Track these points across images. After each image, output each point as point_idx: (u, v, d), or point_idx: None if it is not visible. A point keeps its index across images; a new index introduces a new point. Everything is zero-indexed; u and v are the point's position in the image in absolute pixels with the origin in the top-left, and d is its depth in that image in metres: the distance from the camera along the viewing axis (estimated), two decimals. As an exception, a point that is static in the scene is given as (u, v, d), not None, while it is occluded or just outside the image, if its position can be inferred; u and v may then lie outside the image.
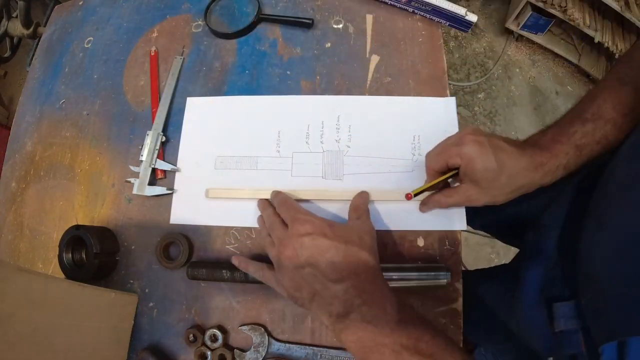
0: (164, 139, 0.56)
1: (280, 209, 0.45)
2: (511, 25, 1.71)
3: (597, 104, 0.42)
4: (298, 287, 0.39)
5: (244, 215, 0.52)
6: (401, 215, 0.50)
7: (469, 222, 0.49)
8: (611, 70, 0.44)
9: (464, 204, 0.46)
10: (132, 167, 0.54)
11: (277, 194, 0.49)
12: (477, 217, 0.58)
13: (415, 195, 0.45)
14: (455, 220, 0.49)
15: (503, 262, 0.64)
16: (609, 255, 0.34)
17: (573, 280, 0.42)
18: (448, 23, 0.59)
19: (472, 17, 0.57)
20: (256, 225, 0.51)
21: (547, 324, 0.44)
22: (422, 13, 0.59)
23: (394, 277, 0.44)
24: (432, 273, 0.44)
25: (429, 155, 0.45)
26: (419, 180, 0.51)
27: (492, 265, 0.75)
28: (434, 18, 0.59)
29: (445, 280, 0.44)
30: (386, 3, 0.60)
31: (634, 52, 0.43)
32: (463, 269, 0.49)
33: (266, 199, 0.50)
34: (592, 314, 0.36)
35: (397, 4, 0.59)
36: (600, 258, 0.35)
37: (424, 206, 0.48)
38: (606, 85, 0.43)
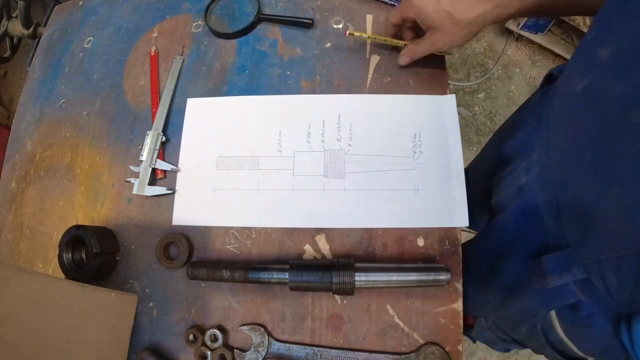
0: (164, 139, 0.56)
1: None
2: (511, 25, 1.71)
3: None
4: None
5: (244, 215, 0.52)
6: (403, 213, 0.50)
7: (470, 224, 0.49)
8: None
9: (430, 49, 0.51)
10: (132, 167, 0.54)
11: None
12: (477, 217, 0.58)
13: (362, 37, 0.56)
14: (456, 216, 0.49)
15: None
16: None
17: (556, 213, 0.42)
18: None
19: None
20: (256, 225, 0.51)
21: (540, 282, 0.43)
22: None
23: (394, 277, 0.44)
24: (432, 273, 0.44)
25: (389, 14, 0.52)
26: (421, 177, 0.51)
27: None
28: None
29: (445, 281, 0.44)
30: (386, 3, 0.60)
31: None
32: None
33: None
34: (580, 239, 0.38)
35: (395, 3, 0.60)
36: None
37: (401, 57, 0.55)
38: None
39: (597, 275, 0.38)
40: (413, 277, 0.44)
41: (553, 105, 0.45)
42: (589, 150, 0.37)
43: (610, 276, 0.36)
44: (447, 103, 0.54)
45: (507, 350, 0.78)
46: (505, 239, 0.52)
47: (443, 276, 0.44)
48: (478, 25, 0.46)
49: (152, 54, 0.62)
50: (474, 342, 0.85)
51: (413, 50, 0.52)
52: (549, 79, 0.54)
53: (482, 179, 0.64)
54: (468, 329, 0.78)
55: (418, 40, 0.52)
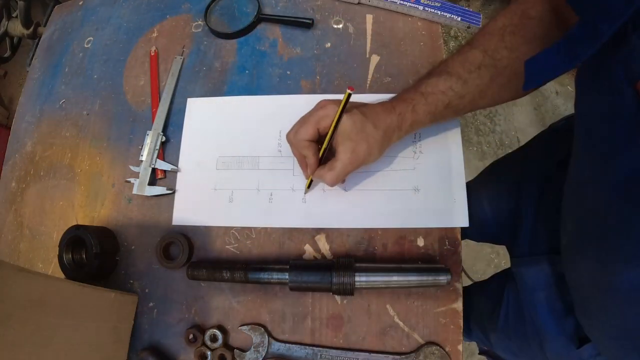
0: (164, 139, 0.56)
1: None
2: (511, 25, 1.71)
3: (446, 62, 0.46)
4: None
5: (244, 215, 0.52)
6: (403, 213, 0.50)
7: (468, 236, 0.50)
8: (467, 40, 0.48)
9: (349, 166, 0.44)
10: (132, 167, 0.54)
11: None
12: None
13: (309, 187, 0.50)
14: (456, 216, 0.49)
15: (503, 264, 0.66)
16: None
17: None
18: (460, 17, 0.60)
19: None
20: (256, 224, 0.51)
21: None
22: (432, 9, 0.59)
23: (394, 278, 0.44)
24: (432, 274, 0.44)
25: (294, 133, 0.46)
26: (420, 178, 0.51)
27: (492, 264, 0.76)
28: (445, 14, 0.59)
29: (445, 281, 0.44)
30: (387, 9, 0.60)
31: (488, 22, 0.47)
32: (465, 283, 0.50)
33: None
34: None
35: (405, 3, 0.59)
36: None
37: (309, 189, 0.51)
38: (458, 50, 0.47)
39: None
40: (413, 277, 0.44)
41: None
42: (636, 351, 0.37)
43: None
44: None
45: None
46: (553, 318, 0.52)
47: (443, 277, 0.44)
48: (389, 140, 0.45)
49: (152, 54, 0.62)
50: None
51: (327, 175, 0.45)
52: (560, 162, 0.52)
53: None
54: None
55: (329, 163, 0.45)
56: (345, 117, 0.42)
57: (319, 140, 0.46)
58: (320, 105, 0.45)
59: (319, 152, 0.46)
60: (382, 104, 0.46)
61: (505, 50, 0.43)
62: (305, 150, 0.45)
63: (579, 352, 0.46)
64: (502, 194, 0.64)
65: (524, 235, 0.56)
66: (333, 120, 0.42)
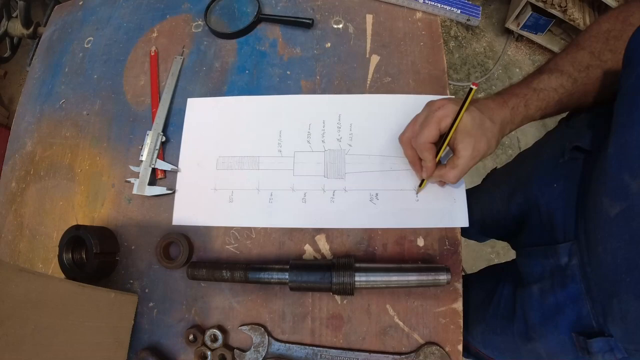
0: (164, 139, 0.56)
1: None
2: (511, 25, 1.71)
3: (555, 60, 0.48)
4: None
5: (244, 215, 0.52)
6: (403, 213, 0.50)
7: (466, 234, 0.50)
8: (571, 40, 0.49)
9: (471, 162, 0.44)
10: (132, 167, 0.54)
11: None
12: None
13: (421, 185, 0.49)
14: (456, 216, 0.49)
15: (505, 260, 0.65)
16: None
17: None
18: (460, 10, 0.60)
19: None
20: (256, 224, 0.51)
21: (583, 354, 0.45)
22: (432, 2, 0.59)
23: (394, 277, 0.44)
24: (432, 273, 0.44)
25: (415, 137, 0.46)
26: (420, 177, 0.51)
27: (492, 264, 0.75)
28: (445, 6, 0.59)
29: (445, 281, 0.44)
30: (387, 2, 0.60)
31: (592, 25, 0.49)
32: (463, 273, 0.49)
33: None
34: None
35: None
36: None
37: (440, 184, 0.50)
38: (565, 49, 0.49)
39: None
40: (413, 277, 0.44)
41: (587, 220, 0.45)
42: (630, 274, 0.38)
43: None
44: (447, 103, 0.54)
45: None
46: (545, 313, 0.51)
47: (443, 276, 0.44)
48: (503, 132, 0.46)
49: (152, 54, 0.62)
50: None
51: (449, 174, 0.45)
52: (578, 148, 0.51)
53: (499, 214, 0.64)
54: None
55: (451, 161, 0.45)
56: (466, 112, 0.43)
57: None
58: (438, 106, 0.45)
59: (436, 152, 0.46)
60: (493, 98, 0.47)
61: (610, 53, 0.45)
62: (426, 152, 0.45)
63: (589, 344, 0.45)
64: (505, 191, 0.63)
65: (536, 225, 0.54)
66: (455, 119, 0.43)
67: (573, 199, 0.47)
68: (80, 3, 0.72)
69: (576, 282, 0.46)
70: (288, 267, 0.46)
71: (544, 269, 0.50)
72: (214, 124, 0.57)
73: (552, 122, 0.60)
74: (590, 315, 0.44)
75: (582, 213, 0.46)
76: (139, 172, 0.54)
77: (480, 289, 0.65)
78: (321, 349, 0.46)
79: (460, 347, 0.45)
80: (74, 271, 0.50)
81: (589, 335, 0.44)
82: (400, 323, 0.47)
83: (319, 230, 0.51)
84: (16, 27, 0.75)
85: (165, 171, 0.55)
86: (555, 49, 1.72)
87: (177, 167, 0.55)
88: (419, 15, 0.60)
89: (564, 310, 0.48)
